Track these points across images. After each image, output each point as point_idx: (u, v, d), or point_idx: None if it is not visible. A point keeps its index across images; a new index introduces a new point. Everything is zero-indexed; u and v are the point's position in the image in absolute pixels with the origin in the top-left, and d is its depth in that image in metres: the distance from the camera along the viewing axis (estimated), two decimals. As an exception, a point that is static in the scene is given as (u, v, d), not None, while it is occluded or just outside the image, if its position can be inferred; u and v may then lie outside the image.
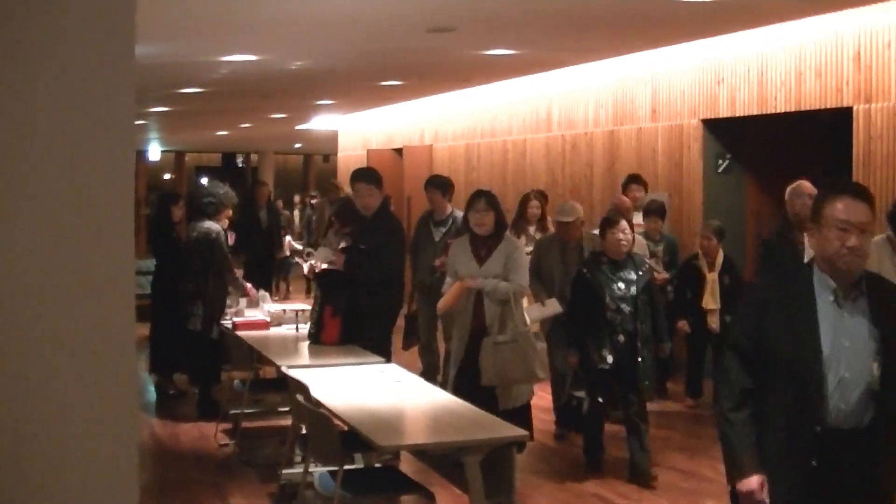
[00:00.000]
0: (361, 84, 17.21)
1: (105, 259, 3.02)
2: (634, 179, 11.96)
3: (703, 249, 10.76)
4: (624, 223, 8.42)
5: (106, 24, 3.07)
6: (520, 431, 6.10)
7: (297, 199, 27.62)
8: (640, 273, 8.45)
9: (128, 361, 3.08)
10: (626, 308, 8.32)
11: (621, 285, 8.33)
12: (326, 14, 9.86)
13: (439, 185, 11.11)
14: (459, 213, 10.14)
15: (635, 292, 8.35)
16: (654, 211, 11.33)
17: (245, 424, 9.70)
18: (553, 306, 9.26)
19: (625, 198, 11.27)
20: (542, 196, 11.87)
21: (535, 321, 9.24)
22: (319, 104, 21.41)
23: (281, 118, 24.70)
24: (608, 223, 8.49)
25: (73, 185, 2.98)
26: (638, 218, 11.16)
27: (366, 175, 9.32)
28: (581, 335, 8.51)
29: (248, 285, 10.95)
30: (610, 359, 8.30)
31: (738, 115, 12.00)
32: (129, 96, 3.07)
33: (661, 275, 10.76)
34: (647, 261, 9.51)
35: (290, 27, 10.84)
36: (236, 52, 12.53)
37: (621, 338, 8.31)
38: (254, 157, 43.25)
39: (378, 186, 9.13)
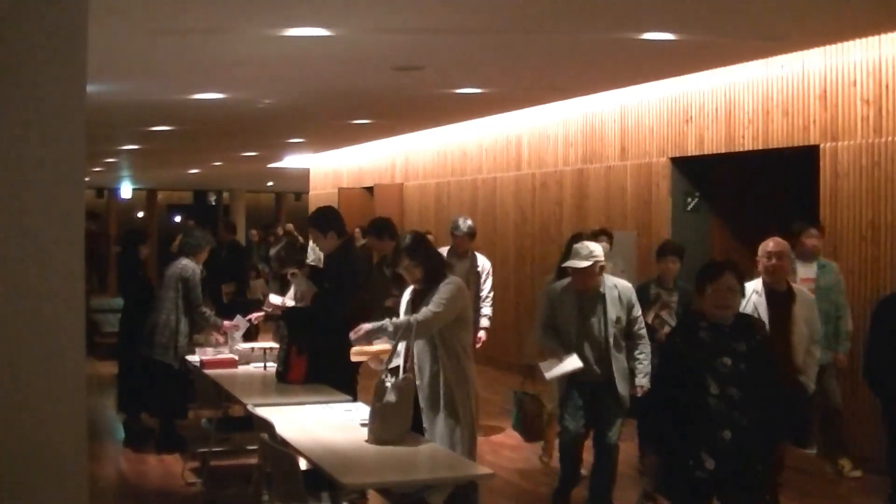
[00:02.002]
0: (331, 122, 17.22)
1: (54, 297, 3.01)
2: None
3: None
4: (730, 275, 6.13)
5: (57, 63, 3.06)
6: (484, 470, 6.08)
7: (253, 233, 27.23)
8: (753, 343, 6.13)
9: (76, 394, 3.06)
10: (733, 392, 5.97)
11: (727, 360, 6.00)
12: (293, 53, 9.87)
13: (374, 229, 10.84)
14: None
15: (745, 369, 6.00)
16: (672, 251, 9.66)
17: (213, 463, 9.64)
18: (572, 362, 8.23)
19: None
20: (607, 236, 10.76)
21: (553, 379, 8.50)
22: (290, 142, 21.42)
23: (252, 156, 24.69)
24: (710, 274, 6.18)
25: (21, 222, 2.96)
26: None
27: (312, 221, 9.26)
28: (667, 429, 6.11)
29: (224, 322, 10.87)
30: (711, 463, 5.93)
31: (706, 153, 12.05)
32: (78, 132, 3.07)
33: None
34: (655, 311, 9.23)
35: (256, 65, 10.84)
36: (204, 90, 12.53)
37: (727, 434, 5.94)
38: (226, 194, 43.18)
39: (331, 229, 9.04)
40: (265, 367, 9.66)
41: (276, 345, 9.91)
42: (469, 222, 11.22)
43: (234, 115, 15.06)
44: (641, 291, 9.09)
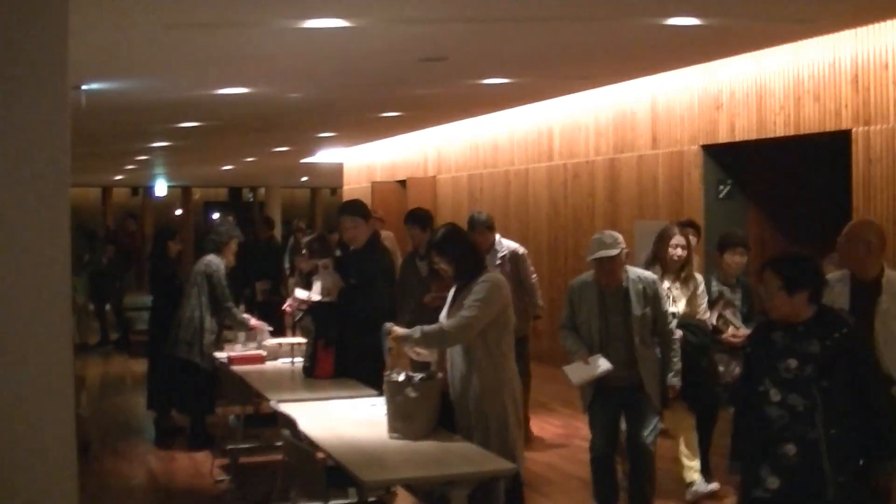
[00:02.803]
0: (360, 116, 17.19)
1: (38, 299, 2.95)
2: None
3: None
4: (770, 273, 5.68)
5: (38, 66, 2.99)
6: (507, 464, 5.98)
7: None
8: (830, 342, 5.50)
9: (64, 396, 3.00)
10: (797, 401, 5.42)
11: (792, 363, 5.47)
12: (315, 45, 9.82)
13: (417, 219, 10.59)
14: None
15: (814, 374, 5.42)
16: (737, 242, 8.81)
17: (242, 460, 9.61)
18: (602, 365, 7.53)
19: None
20: (694, 228, 9.75)
21: (581, 385, 7.74)
22: (322, 137, 21.39)
23: (285, 151, 24.69)
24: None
25: (4, 225, 2.91)
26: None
27: (347, 207, 9.18)
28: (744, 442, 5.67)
29: (252, 319, 10.82)
30: (775, 482, 5.43)
31: (737, 140, 11.89)
32: (62, 134, 3.00)
33: (739, 331, 8.47)
34: (718, 311, 8.51)
35: (280, 59, 10.81)
36: (229, 84, 12.50)
37: (790, 448, 5.40)
38: (261, 191, 43.28)
39: (363, 218, 8.97)
40: (293, 362, 9.62)
41: (303, 340, 9.87)
42: (483, 215, 10.87)
43: (262, 109, 15.04)
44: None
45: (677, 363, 7.79)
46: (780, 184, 12.43)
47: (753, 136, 11.61)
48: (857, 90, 10.15)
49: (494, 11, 8.68)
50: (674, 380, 7.79)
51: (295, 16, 8.49)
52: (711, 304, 8.61)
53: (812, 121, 10.73)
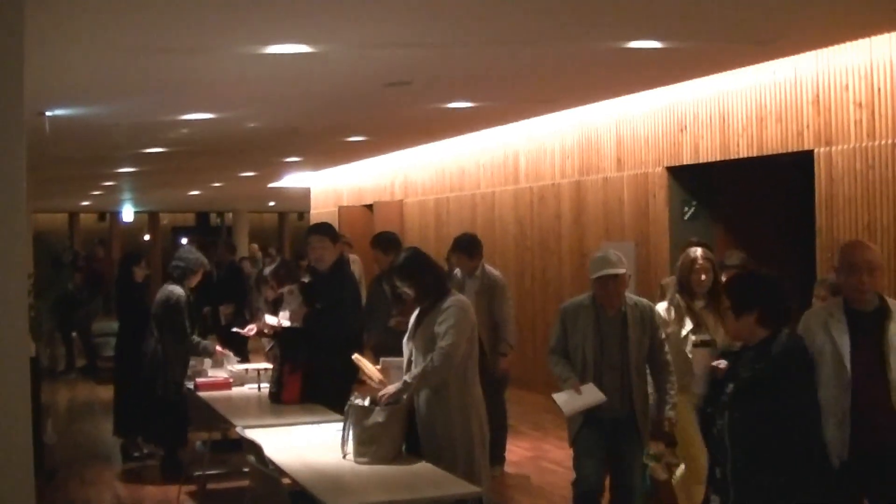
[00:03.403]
0: (325, 140, 17.19)
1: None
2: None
3: None
4: (726, 299, 5.92)
5: None
6: (472, 488, 5.99)
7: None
8: (754, 370, 5.60)
9: (20, 424, 2.99)
10: (721, 423, 5.66)
11: (730, 386, 5.66)
12: (279, 71, 9.82)
13: (380, 243, 10.62)
14: None
15: (733, 400, 5.60)
16: (734, 266, 8.94)
17: (210, 486, 9.57)
18: (592, 394, 7.18)
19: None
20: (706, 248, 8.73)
21: (571, 414, 7.32)
22: (287, 161, 21.39)
23: (252, 176, 24.68)
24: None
25: None
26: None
27: (315, 228, 9.22)
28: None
29: (217, 347, 10.73)
30: (715, 501, 5.77)
31: (701, 161, 11.96)
32: (18, 158, 3.00)
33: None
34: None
35: (243, 84, 10.80)
36: (194, 110, 12.49)
37: (718, 472, 5.73)
38: (229, 215, 43.19)
39: (331, 239, 8.99)
40: (259, 388, 9.58)
41: (270, 365, 9.84)
42: (467, 237, 10.87)
43: (227, 134, 15.02)
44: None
45: (674, 395, 7.37)
46: (745, 204, 12.48)
47: (717, 158, 11.67)
48: (818, 111, 10.23)
49: (457, 36, 8.70)
50: (671, 413, 7.35)
51: (258, 42, 8.50)
52: None
53: (775, 142, 10.80)
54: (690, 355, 7.82)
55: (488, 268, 10.77)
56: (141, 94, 11.32)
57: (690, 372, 7.72)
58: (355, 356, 7.24)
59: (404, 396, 6.79)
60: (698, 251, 8.16)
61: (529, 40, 9.01)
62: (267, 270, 11.77)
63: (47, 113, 11.35)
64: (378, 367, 7.38)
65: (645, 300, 7.57)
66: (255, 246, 24.92)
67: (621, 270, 7.20)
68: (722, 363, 5.89)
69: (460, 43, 8.97)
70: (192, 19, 7.71)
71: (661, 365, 7.37)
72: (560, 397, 7.26)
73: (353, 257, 15.60)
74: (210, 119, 13.03)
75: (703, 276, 8.01)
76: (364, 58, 9.54)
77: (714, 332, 7.89)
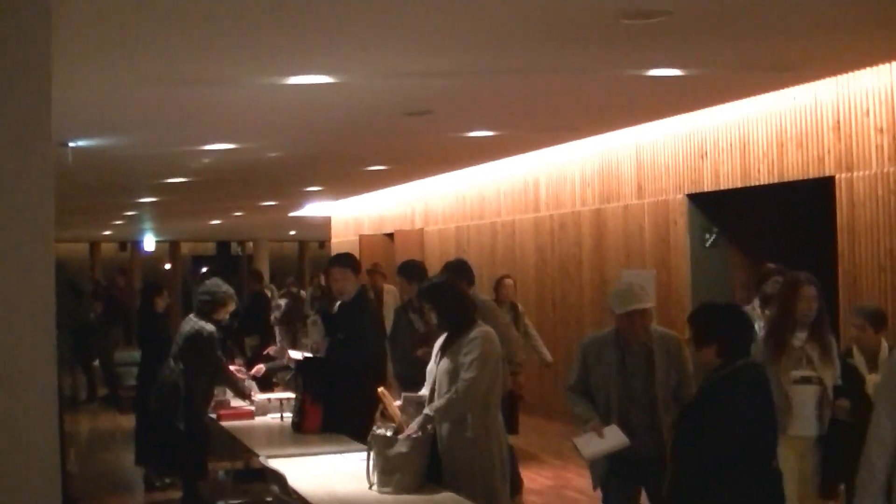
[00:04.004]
0: (347, 169, 17.23)
1: (23, 360, 2.95)
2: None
3: (858, 342, 7.79)
4: None
5: (21, 122, 3.01)
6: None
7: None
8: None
9: (49, 461, 3.00)
10: None
11: None
12: (301, 101, 9.85)
13: (405, 271, 10.35)
14: None
15: None
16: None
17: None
18: (615, 437, 6.72)
19: None
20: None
21: (592, 459, 6.91)
22: (308, 191, 21.44)
23: (272, 205, 24.74)
24: None
25: None
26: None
27: (337, 259, 9.24)
28: None
29: (252, 388, 10.51)
30: None
31: (722, 188, 11.94)
32: (46, 191, 3.02)
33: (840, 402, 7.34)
34: None
35: (265, 115, 10.83)
36: (216, 140, 12.54)
37: None
38: (249, 244, 43.29)
39: (352, 270, 9.00)
40: (282, 417, 9.58)
41: (292, 395, 9.84)
42: (456, 261, 10.64)
43: (248, 164, 15.08)
44: None
45: None
46: (766, 231, 12.44)
47: (738, 184, 11.65)
48: (839, 137, 10.21)
49: (478, 65, 8.73)
50: None
51: (281, 73, 8.54)
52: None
53: (795, 167, 10.79)
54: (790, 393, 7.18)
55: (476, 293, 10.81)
56: (164, 125, 11.37)
57: (789, 411, 7.09)
58: (381, 390, 7.20)
59: (428, 427, 6.78)
60: (804, 275, 7.43)
61: (550, 69, 9.04)
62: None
63: (70, 144, 11.41)
64: (399, 402, 7.34)
65: (672, 332, 7.11)
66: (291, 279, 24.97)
67: (648, 304, 6.87)
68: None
69: (480, 72, 8.99)
70: (216, 51, 7.77)
71: (684, 399, 6.69)
72: (581, 441, 6.82)
73: (387, 287, 15.57)
74: (232, 149, 13.08)
75: (811, 306, 7.29)
76: (385, 88, 9.57)
77: (822, 370, 7.29)
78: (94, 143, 11.89)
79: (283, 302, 12.89)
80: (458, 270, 10.12)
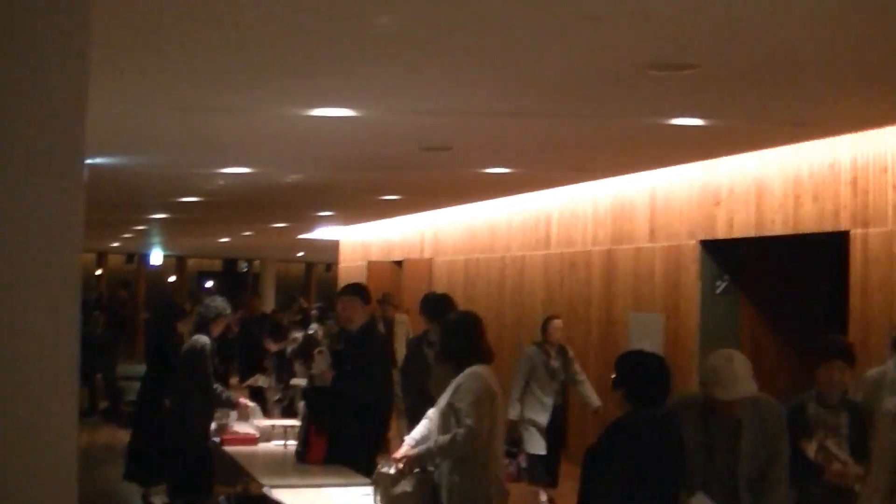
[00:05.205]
0: (359, 197, 17.26)
1: (46, 371, 2.98)
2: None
3: None
4: None
5: (56, 135, 3.05)
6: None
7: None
8: None
9: (67, 480, 3.03)
10: None
11: None
12: (319, 131, 9.87)
13: (426, 306, 10.17)
14: None
15: None
16: (840, 352, 7.01)
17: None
18: None
19: None
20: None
21: None
22: (319, 215, 21.46)
23: (282, 227, 24.77)
24: None
25: (15, 291, 2.95)
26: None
27: (347, 288, 9.26)
28: None
29: (242, 399, 10.67)
30: None
31: (735, 236, 11.93)
32: (76, 204, 3.05)
33: (847, 467, 6.69)
34: (818, 441, 6.62)
35: (283, 143, 10.87)
36: (232, 164, 12.57)
37: None
38: (256, 263, 43.34)
39: (361, 300, 8.99)
40: (285, 445, 9.57)
41: (297, 423, 9.84)
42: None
43: (261, 188, 15.11)
44: (795, 412, 6.70)
45: None
46: (777, 282, 12.42)
47: (752, 234, 11.63)
48: (855, 192, 10.21)
49: (499, 107, 8.74)
50: None
51: (302, 104, 8.56)
52: (809, 432, 6.74)
53: (810, 220, 10.77)
54: None
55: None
56: (182, 148, 11.42)
57: None
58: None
59: (429, 467, 6.79)
60: None
61: (572, 115, 9.06)
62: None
63: (87, 161, 11.42)
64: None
65: (767, 398, 6.22)
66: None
67: (753, 391, 6.00)
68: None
69: (501, 113, 9.01)
70: (241, 82, 7.80)
71: (771, 482, 6.09)
72: None
73: (398, 317, 15.53)
74: (247, 173, 13.11)
75: None
76: (405, 123, 9.59)
77: None
78: (112, 160, 11.92)
79: (299, 335, 12.86)
80: (438, 306, 9.99)
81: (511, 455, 11.80)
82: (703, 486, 6.00)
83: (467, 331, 7.18)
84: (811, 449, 6.65)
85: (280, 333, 12.97)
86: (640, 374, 5.89)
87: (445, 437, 6.79)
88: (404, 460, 6.89)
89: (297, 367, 11.48)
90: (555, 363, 12.04)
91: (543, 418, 11.81)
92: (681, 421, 6.03)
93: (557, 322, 12.21)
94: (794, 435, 6.29)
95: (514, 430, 11.74)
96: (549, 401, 11.89)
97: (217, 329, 10.62)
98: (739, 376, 5.91)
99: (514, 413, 11.67)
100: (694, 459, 6.01)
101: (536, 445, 11.85)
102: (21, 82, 3.04)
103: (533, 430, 11.82)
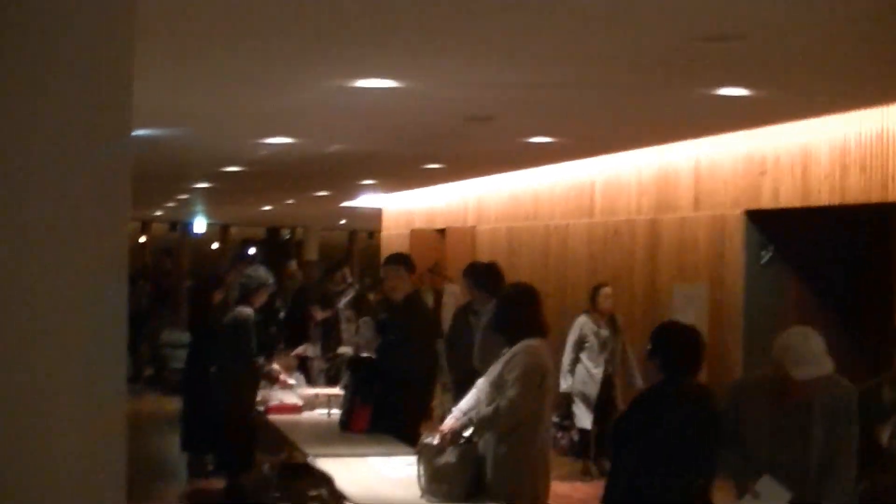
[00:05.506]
0: (402, 166, 17.23)
1: (96, 340, 3.00)
2: None
3: None
4: None
5: (103, 109, 3.07)
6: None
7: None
8: None
9: (116, 447, 3.06)
10: None
11: None
12: (363, 102, 9.84)
13: (471, 274, 10.13)
14: None
15: None
16: None
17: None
18: (773, 492, 5.68)
19: None
20: None
21: None
22: (362, 184, 21.45)
23: (324, 195, 24.78)
24: None
25: (68, 259, 2.97)
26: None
27: (392, 258, 9.28)
28: None
29: (282, 377, 10.60)
30: None
31: (781, 206, 11.83)
32: (124, 177, 3.07)
33: None
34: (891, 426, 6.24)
35: (328, 114, 10.85)
36: (276, 135, 12.57)
37: None
38: (299, 230, 43.41)
39: (406, 269, 8.98)
40: (329, 413, 9.61)
41: (340, 392, 9.87)
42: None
43: (304, 158, 15.11)
44: (868, 396, 6.28)
45: None
46: (823, 253, 12.30)
47: (797, 203, 11.54)
48: (904, 163, 10.11)
49: (545, 78, 8.69)
50: None
51: (347, 76, 8.53)
52: (883, 417, 6.36)
53: (858, 190, 10.66)
54: None
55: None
56: (225, 120, 11.42)
57: None
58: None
59: (475, 439, 6.79)
60: None
61: (619, 85, 9.00)
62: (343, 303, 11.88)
63: (133, 133, 11.46)
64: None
65: (842, 379, 5.91)
66: (294, 263, 24.76)
67: (829, 370, 5.70)
68: None
69: (546, 84, 8.96)
70: (284, 55, 7.80)
71: (838, 469, 5.78)
72: None
73: (449, 287, 15.43)
74: (289, 143, 13.12)
75: None
76: (449, 94, 9.54)
77: None
78: (156, 132, 11.95)
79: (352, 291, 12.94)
80: (484, 276, 9.93)
81: (564, 428, 11.70)
82: (771, 471, 5.71)
83: (524, 304, 7.11)
84: (885, 435, 6.28)
85: (328, 302, 12.92)
86: (673, 344, 5.92)
87: (488, 409, 6.78)
88: (449, 432, 6.88)
89: (344, 325, 11.43)
90: (604, 332, 11.92)
91: (593, 390, 11.69)
92: (750, 401, 5.84)
93: (607, 290, 12.06)
94: (865, 420, 5.89)
95: (566, 402, 11.64)
96: (598, 372, 11.75)
97: (259, 300, 10.52)
98: (816, 354, 5.61)
99: (565, 385, 11.56)
100: (761, 443, 5.78)
101: (584, 419, 11.76)
102: (69, 58, 3.07)
103: (581, 404, 11.73)
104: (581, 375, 11.69)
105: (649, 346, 6.01)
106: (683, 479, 5.65)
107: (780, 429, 5.75)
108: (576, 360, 11.70)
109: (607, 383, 11.87)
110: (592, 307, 11.90)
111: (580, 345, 11.74)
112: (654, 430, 5.72)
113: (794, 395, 5.68)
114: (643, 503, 5.69)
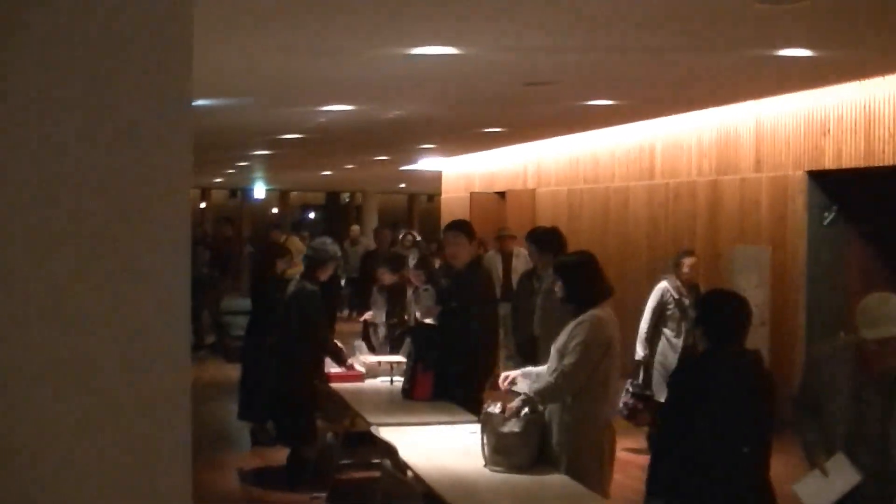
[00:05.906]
0: (462, 131, 17.22)
1: (159, 313, 3.03)
2: None
3: None
4: None
5: (163, 81, 3.09)
6: (600, 501, 5.97)
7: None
8: None
9: (181, 419, 3.09)
10: None
11: None
12: (422, 70, 9.83)
13: (534, 238, 10.00)
14: None
15: None
16: None
17: (338, 476, 9.58)
18: (843, 473, 5.48)
19: None
20: None
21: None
22: (421, 148, 21.45)
23: (384, 160, 24.81)
24: None
25: (130, 228, 3.00)
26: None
27: (453, 224, 9.22)
28: None
29: (351, 360, 10.22)
30: None
31: (843, 167, 11.69)
32: (185, 148, 3.09)
33: None
34: None
35: (387, 82, 10.86)
36: (334, 102, 12.58)
37: None
38: (358, 195, 43.53)
39: (467, 237, 8.94)
40: (391, 381, 9.61)
41: (403, 359, 9.87)
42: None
43: (363, 124, 15.13)
44: None
45: None
46: (887, 214, 12.14)
47: (861, 164, 11.39)
48: (970, 123, 9.96)
49: (604, 43, 8.64)
50: None
51: (404, 44, 8.53)
52: None
53: (922, 151, 10.54)
54: None
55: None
56: (285, 89, 11.46)
57: None
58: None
59: (540, 407, 6.76)
60: None
61: (679, 48, 8.92)
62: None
63: (195, 102, 11.52)
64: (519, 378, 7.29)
65: None
66: (357, 228, 24.68)
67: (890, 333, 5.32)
68: None
69: (605, 48, 8.90)
70: (343, 23, 7.81)
71: None
72: (805, 489, 5.64)
73: (517, 250, 15.31)
74: (348, 110, 13.13)
75: None
76: (508, 60, 9.51)
77: None
78: (215, 102, 12.00)
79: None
80: (547, 240, 9.87)
81: (644, 399, 11.33)
82: (847, 445, 5.48)
83: (585, 274, 7.01)
84: None
85: (398, 264, 12.80)
86: (718, 311, 5.84)
87: (541, 383, 6.72)
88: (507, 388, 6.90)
89: (416, 276, 11.32)
90: (686, 301, 11.52)
91: (674, 361, 11.26)
92: (831, 370, 5.54)
93: (692, 259, 11.40)
94: None
95: (646, 371, 11.29)
96: (678, 342, 11.28)
97: (325, 274, 10.14)
98: (891, 316, 5.29)
99: (640, 352, 11.20)
100: (839, 415, 5.50)
101: (660, 391, 11.38)
102: (130, 29, 3.08)
103: (660, 375, 11.36)
104: (661, 345, 11.27)
105: (696, 314, 6.00)
106: (732, 446, 5.59)
107: (859, 400, 5.46)
108: (655, 328, 11.28)
109: (689, 354, 11.48)
110: (675, 274, 11.40)
111: (661, 312, 11.31)
112: (700, 397, 5.68)
113: (871, 361, 5.41)
114: (692, 474, 5.65)
